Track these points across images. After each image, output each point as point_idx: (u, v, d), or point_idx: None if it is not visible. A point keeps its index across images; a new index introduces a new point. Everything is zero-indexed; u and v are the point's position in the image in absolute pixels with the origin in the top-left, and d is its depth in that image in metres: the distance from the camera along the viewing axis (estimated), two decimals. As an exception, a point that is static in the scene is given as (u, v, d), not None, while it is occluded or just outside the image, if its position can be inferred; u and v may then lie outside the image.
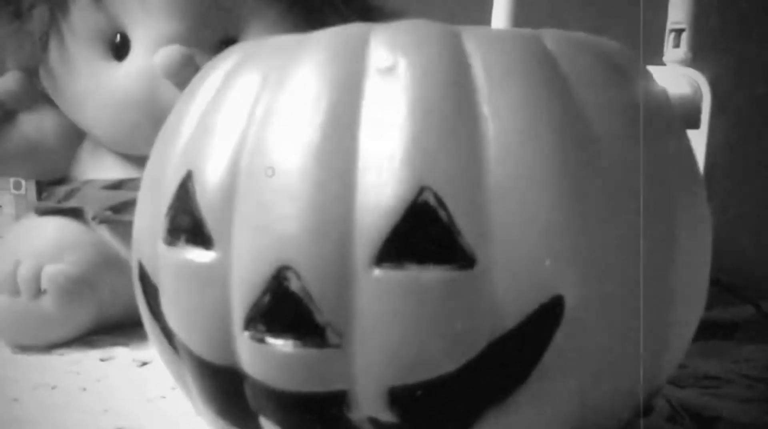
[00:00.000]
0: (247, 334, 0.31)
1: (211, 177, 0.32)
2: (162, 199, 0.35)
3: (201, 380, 0.34)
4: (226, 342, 0.32)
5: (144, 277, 0.37)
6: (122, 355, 0.54)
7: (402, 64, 0.31)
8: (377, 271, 0.29)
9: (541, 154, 0.30)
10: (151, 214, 0.35)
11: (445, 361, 0.30)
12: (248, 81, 0.33)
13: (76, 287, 0.54)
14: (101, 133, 0.58)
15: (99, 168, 0.61)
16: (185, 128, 0.35)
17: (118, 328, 0.59)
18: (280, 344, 0.31)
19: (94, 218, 0.56)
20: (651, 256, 0.31)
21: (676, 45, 0.50)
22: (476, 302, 0.29)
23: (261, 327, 0.31)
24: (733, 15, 0.57)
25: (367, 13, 0.57)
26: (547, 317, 0.30)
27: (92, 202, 0.57)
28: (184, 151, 0.34)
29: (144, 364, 0.53)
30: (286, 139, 0.31)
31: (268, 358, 0.31)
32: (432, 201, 0.29)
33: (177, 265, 0.33)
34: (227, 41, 0.56)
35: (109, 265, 0.57)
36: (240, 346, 0.32)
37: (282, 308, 0.30)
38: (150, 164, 0.38)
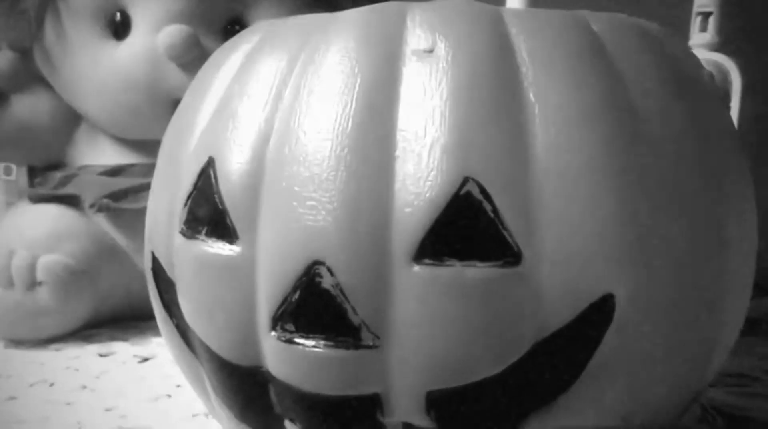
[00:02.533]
0: (273, 333, 0.29)
1: (234, 165, 0.30)
2: (179, 187, 0.32)
3: (221, 381, 0.32)
4: (251, 341, 0.30)
5: (157, 270, 0.35)
6: (122, 350, 0.52)
7: (441, 46, 0.29)
8: (416, 268, 0.27)
9: (589, 144, 0.28)
10: (166, 203, 0.33)
11: (487, 363, 0.28)
12: (273, 63, 0.31)
13: (73, 278, 0.51)
14: (99, 116, 0.56)
15: (96, 153, 0.58)
16: (204, 112, 0.33)
17: (115, 321, 0.56)
18: (310, 345, 0.29)
19: (91, 206, 0.53)
20: (703, 250, 0.29)
21: (703, 29, 0.48)
22: (522, 301, 0.27)
23: (289, 326, 0.29)
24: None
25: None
26: (596, 317, 0.28)
27: (89, 189, 0.54)
28: (204, 136, 0.32)
29: (145, 359, 0.51)
30: (316, 126, 0.29)
31: (297, 359, 0.29)
32: (476, 192, 0.27)
33: (196, 258, 0.31)
34: (233, 21, 0.54)
35: (107, 255, 0.54)
36: (265, 347, 0.30)
37: (313, 306, 0.28)
38: (164, 150, 0.36)
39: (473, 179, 0.27)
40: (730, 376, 0.46)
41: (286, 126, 0.29)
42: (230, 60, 0.33)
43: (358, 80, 0.29)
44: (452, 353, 0.28)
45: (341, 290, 0.28)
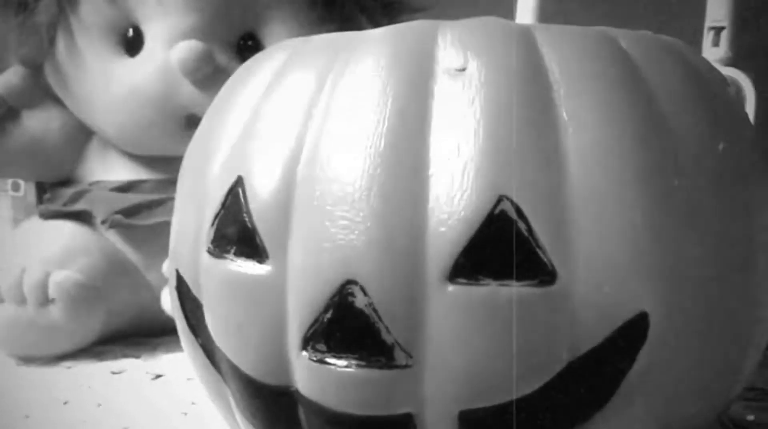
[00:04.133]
0: (304, 353, 0.29)
1: (264, 183, 0.30)
2: (206, 205, 0.32)
3: (248, 400, 0.32)
4: (280, 361, 0.30)
5: (182, 288, 0.34)
6: (134, 367, 0.52)
7: (473, 64, 0.29)
8: (451, 287, 0.27)
9: (623, 162, 0.28)
10: (192, 221, 0.33)
11: (521, 383, 0.28)
12: (301, 81, 0.31)
13: (85, 295, 0.51)
14: (111, 132, 0.56)
15: (107, 169, 0.58)
16: (230, 131, 0.33)
17: (126, 337, 0.56)
18: (342, 364, 0.28)
19: (103, 222, 0.53)
20: (732, 266, 0.29)
21: (716, 44, 0.49)
22: (557, 320, 0.27)
23: (321, 346, 0.29)
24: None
25: (391, 7, 0.55)
26: (631, 335, 0.28)
27: (101, 205, 0.54)
28: (232, 154, 0.32)
29: (158, 377, 0.50)
30: (348, 145, 0.29)
31: (328, 379, 0.29)
32: (511, 212, 0.27)
33: (225, 278, 0.31)
34: (246, 36, 0.54)
35: (119, 271, 0.54)
36: (295, 366, 0.30)
37: (345, 326, 0.28)
38: (187, 168, 0.35)
39: (507, 198, 0.27)
40: (749, 390, 0.46)
41: (317, 145, 0.29)
42: (257, 78, 0.33)
43: (390, 99, 0.29)
44: (486, 373, 0.27)
45: (374, 310, 0.28)
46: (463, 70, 0.29)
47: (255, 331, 0.30)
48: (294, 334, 0.29)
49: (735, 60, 0.49)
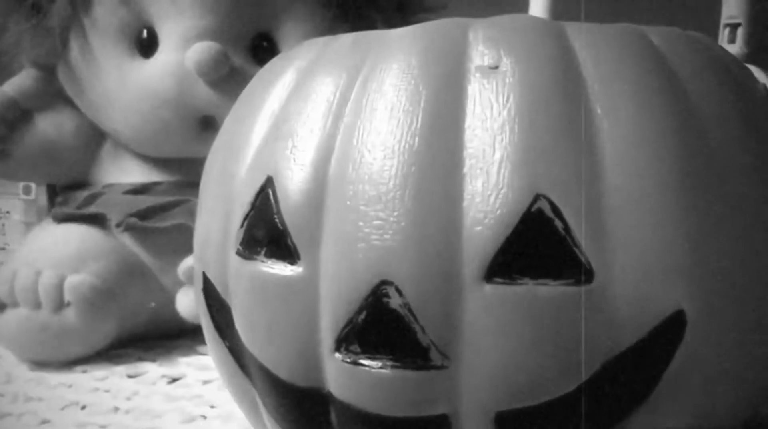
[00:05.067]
0: (338, 355, 0.29)
1: (295, 184, 0.30)
2: (233, 207, 0.32)
3: (278, 403, 0.32)
4: (312, 363, 0.30)
5: (208, 291, 0.34)
6: (150, 370, 0.51)
7: (506, 62, 0.29)
8: (488, 287, 0.27)
9: (659, 159, 0.27)
10: (218, 223, 0.33)
11: (559, 383, 0.27)
12: (331, 80, 0.31)
13: (100, 299, 0.50)
14: (126, 134, 0.55)
15: (121, 171, 0.57)
16: (257, 131, 0.32)
17: (140, 341, 0.56)
18: (377, 366, 0.28)
19: (118, 225, 0.52)
20: (763, 261, 0.29)
21: (731, 40, 0.48)
22: (594, 319, 0.27)
23: (354, 347, 0.28)
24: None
25: (405, 7, 0.54)
26: (667, 334, 0.27)
27: (115, 208, 0.53)
28: (260, 155, 0.31)
29: (174, 380, 0.50)
30: (382, 144, 0.28)
31: (362, 380, 0.28)
32: (547, 210, 0.27)
33: (255, 279, 0.31)
34: (260, 36, 0.53)
35: (133, 274, 0.54)
36: (328, 368, 0.29)
37: (380, 327, 0.28)
38: (211, 169, 0.35)
39: (544, 196, 0.27)
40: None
41: (349, 144, 0.29)
42: (283, 78, 0.33)
43: (423, 97, 0.29)
44: (523, 373, 0.27)
45: (410, 310, 0.27)
46: (497, 67, 0.29)
47: (286, 332, 0.30)
48: (326, 335, 0.29)
49: (751, 57, 0.48)
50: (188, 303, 0.53)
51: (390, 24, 0.54)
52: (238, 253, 0.31)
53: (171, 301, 0.54)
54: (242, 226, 0.31)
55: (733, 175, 0.29)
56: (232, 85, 0.51)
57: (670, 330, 0.27)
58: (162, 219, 0.53)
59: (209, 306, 0.34)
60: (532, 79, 0.28)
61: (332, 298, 0.29)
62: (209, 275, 0.34)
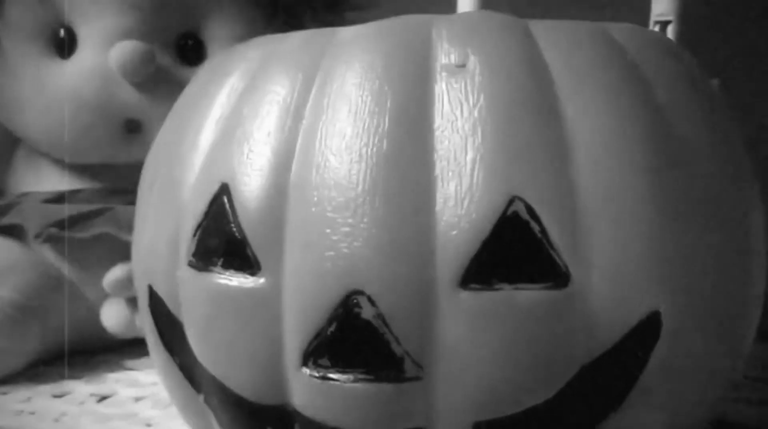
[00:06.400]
0: (305, 369, 0.27)
1: (253, 190, 0.28)
2: (183, 215, 0.30)
3: (238, 422, 0.30)
4: (275, 379, 0.28)
5: (156, 305, 0.32)
6: (77, 389, 0.48)
7: (474, 61, 0.28)
8: (464, 294, 0.26)
9: (631, 156, 0.27)
10: (166, 232, 0.31)
11: (538, 390, 0.27)
12: (286, 80, 0.29)
13: (20, 315, 0.47)
14: (44, 140, 0.52)
15: (37, 179, 0.54)
16: (204, 135, 0.31)
17: (62, 358, 0.52)
18: (348, 379, 0.27)
19: (37, 237, 0.49)
20: (734, 260, 0.29)
21: (663, 39, 0.49)
22: (571, 323, 0.26)
23: (324, 361, 0.27)
24: (724, 5, 0.57)
25: (335, 4, 0.53)
26: (644, 335, 0.27)
27: (33, 218, 0.50)
28: (211, 161, 0.30)
29: (104, 398, 0.47)
30: (346, 147, 0.27)
31: (332, 395, 0.27)
32: (523, 212, 0.26)
33: (211, 292, 0.29)
34: (186, 35, 0.51)
35: (55, 288, 0.50)
36: (294, 384, 0.28)
37: (351, 339, 0.27)
38: (150, 176, 0.33)
39: (520, 198, 0.26)
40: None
41: (311, 147, 0.28)
42: (230, 79, 0.31)
43: (389, 98, 0.27)
44: (502, 381, 0.26)
45: (383, 320, 0.26)
46: (463, 66, 0.28)
47: (247, 347, 0.28)
48: (292, 349, 0.27)
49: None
50: (114, 316, 0.51)
51: (320, 22, 0.52)
52: (191, 264, 0.29)
53: (96, 314, 0.51)
54: (195, 235, 0.29)
55: (701, 175, 0.28)
56: (159, 87, 0.49)
57: (647, 331, 0.27)
58: (84, 228, 0.50)
59: (156, 322, 0.32)
60: (502, 79, 0.27)
61: (298, 310, 0.27)
62: (156, 289, 0.32)
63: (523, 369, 0.26)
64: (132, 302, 0.50)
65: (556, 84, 0.28)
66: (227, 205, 0.29)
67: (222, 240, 0.29)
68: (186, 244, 0.30)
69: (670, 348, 0.27)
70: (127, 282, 0.50)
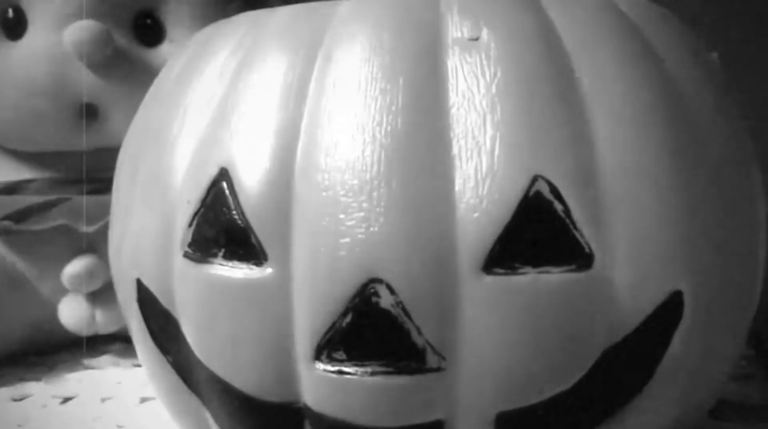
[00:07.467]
0: (318, 364, 0.26)
1: (257, 174, 0.26)
2: (174, 204, 0.28)
3: (242, 422, 0.28)
4: (285, 375, 0.27)
5: (146, 301, 0.30)
6: (37, 391, 0.45)
7: (487, 34, 0.26)
8: (487, 278, 0.25)
9: (651, 137, 0.26)
10: (155, 222, 0.29)
11: (562, 376, 0.26)
12: (284, 57, 0.28)
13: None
14: (-8, 127, 0.48)
15: (-15, 170, 0.50)
16: (195, 119, 0.29)
17: (17, 358, 0.50)
18: (365, 373, 0.25)
19: (-12, 230, 0.46)
20: (746, 238, 0.29)
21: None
22: (595, 305, 0.25)
23: (339, 354, 0.25)
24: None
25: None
26: (666, 316, 0.26)
27: (-18, 211, 0.47)
28: (204, 144, 0.28)
29: (67, 399, 0.44)
30: (358, 127, 0.25)
31: (347, 390, 0.26)
32: (546, 192, 0.25)
33: (212, 284, 0.27)
34: (143, 14, 0.48)
35: (8, 285, 0.47)
36: (305, 379, 0.26)
37: (369, 330, 0.25)
38: (131, 165, 0.31)
39: (542, 177, 0.25)
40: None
41: (318, 128, 0.26)
42: (217, 59, 0.29)
43: (401, 74, 0.26)
44: (527, 368, 0.25)
45: (403, 309, 0.25)
46: (476, 39, 0.26)
47: (253, 343, 0.27)
48: (303, 343, 0.26)
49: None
50: (72, 313, 0.48)
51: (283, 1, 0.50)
52: (187, 255, 0.28)
53: (52, 310, 0.48)
54: (191, 225, 0.28)
55: (711, 143, 0.28)
56: (116, 68, 0.46)
57: (669, 312, 0.26)
58: (39, 221, 0.47)
59: (146, 318, 0.30)
60: (519, 52, 0.26)
61: (309, 300, 0.25)
62: (146, 283, 0.29)
63: (548, 355, 0.25)
64: (92, 297, 0.48)
65: (570, 57, 0.27)
66: (227, 191, 0.27)
67: (223, 228, 0.27)
68: (181, 234, 0.28)
69: (692, 328, 0.27)
70: (87, 276, 0.47)
